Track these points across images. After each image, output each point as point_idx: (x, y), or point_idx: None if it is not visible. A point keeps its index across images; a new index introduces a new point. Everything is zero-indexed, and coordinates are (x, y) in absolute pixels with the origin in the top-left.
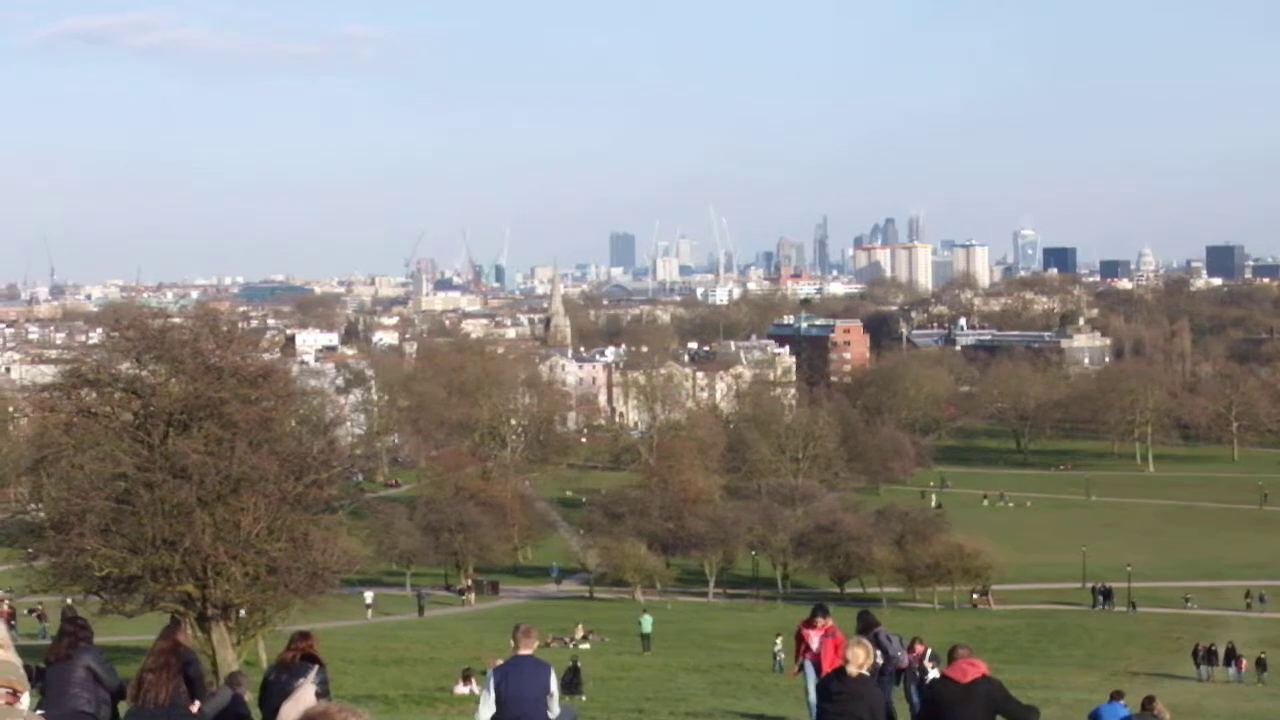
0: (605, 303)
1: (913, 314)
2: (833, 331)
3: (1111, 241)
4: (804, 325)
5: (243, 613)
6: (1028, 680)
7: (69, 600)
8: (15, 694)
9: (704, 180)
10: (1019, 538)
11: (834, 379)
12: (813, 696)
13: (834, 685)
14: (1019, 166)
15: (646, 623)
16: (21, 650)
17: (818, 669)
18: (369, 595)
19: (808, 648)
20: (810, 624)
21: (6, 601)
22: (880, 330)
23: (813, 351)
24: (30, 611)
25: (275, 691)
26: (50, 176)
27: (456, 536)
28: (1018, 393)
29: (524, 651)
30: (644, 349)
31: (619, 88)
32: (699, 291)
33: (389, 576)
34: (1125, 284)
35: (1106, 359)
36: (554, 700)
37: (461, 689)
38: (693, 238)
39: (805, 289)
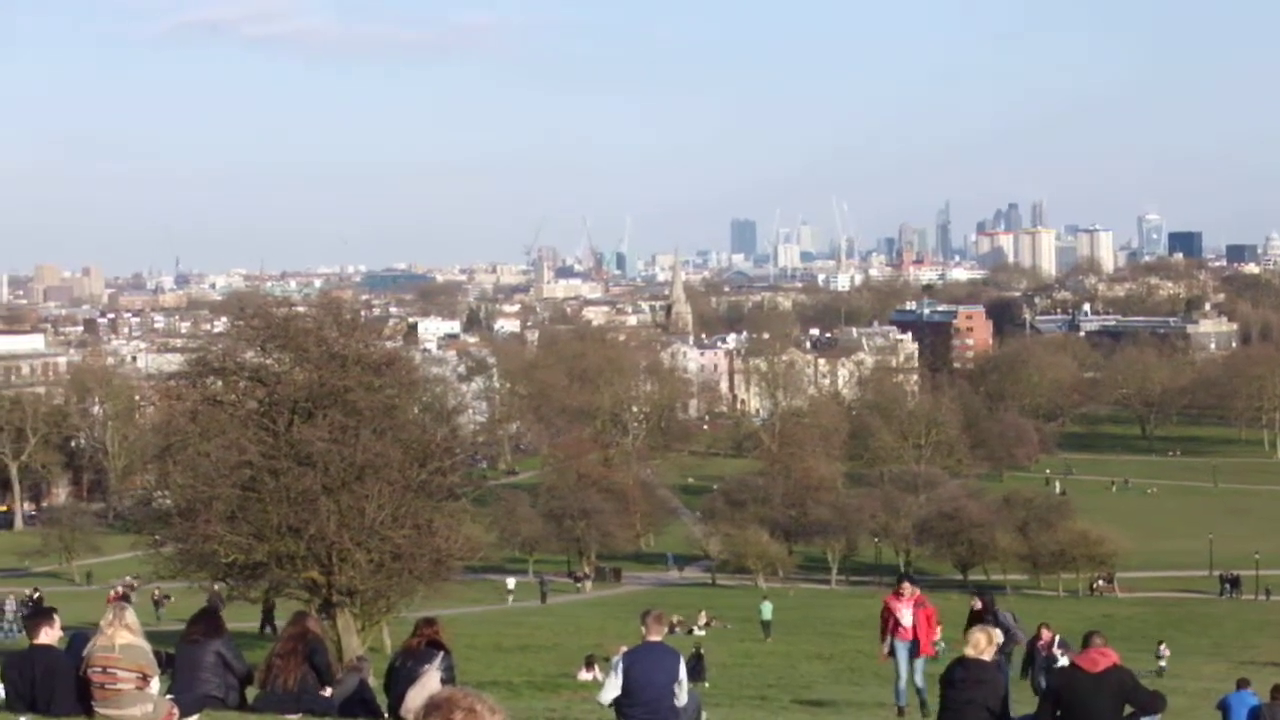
0: (726, 289)
1: (1036, 300)
2: (955, 317)
3: (1238, 225)
4: (926, 311)
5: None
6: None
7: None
8: (145, 678)
9: (825, 166)
10: (1144, 524)
11: (956, 365)
12: (903, 680)
13: (957, 672)
14: (1144, 150)
15: (766, 610)
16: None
17: (910, 649)
18: (511, 582)
19: (897, 623)
20: (898, 594)
21: (121, 586)
22: (1003, 316)
23: (935, 338)
24: (165, 597)
25: (401, 677)
26: (174, 166)
27: (579, 523)
28: (1143, 379)
29: (653, 637)
30: (765, 335)
31: (740, 73)
32: (820, 278)
33: (511, 563)
34: (1252, 268)
35: (1233, 344)
36: (681, 687)
37: (585, 675)
38: (814, 224)
39: (927, 275)
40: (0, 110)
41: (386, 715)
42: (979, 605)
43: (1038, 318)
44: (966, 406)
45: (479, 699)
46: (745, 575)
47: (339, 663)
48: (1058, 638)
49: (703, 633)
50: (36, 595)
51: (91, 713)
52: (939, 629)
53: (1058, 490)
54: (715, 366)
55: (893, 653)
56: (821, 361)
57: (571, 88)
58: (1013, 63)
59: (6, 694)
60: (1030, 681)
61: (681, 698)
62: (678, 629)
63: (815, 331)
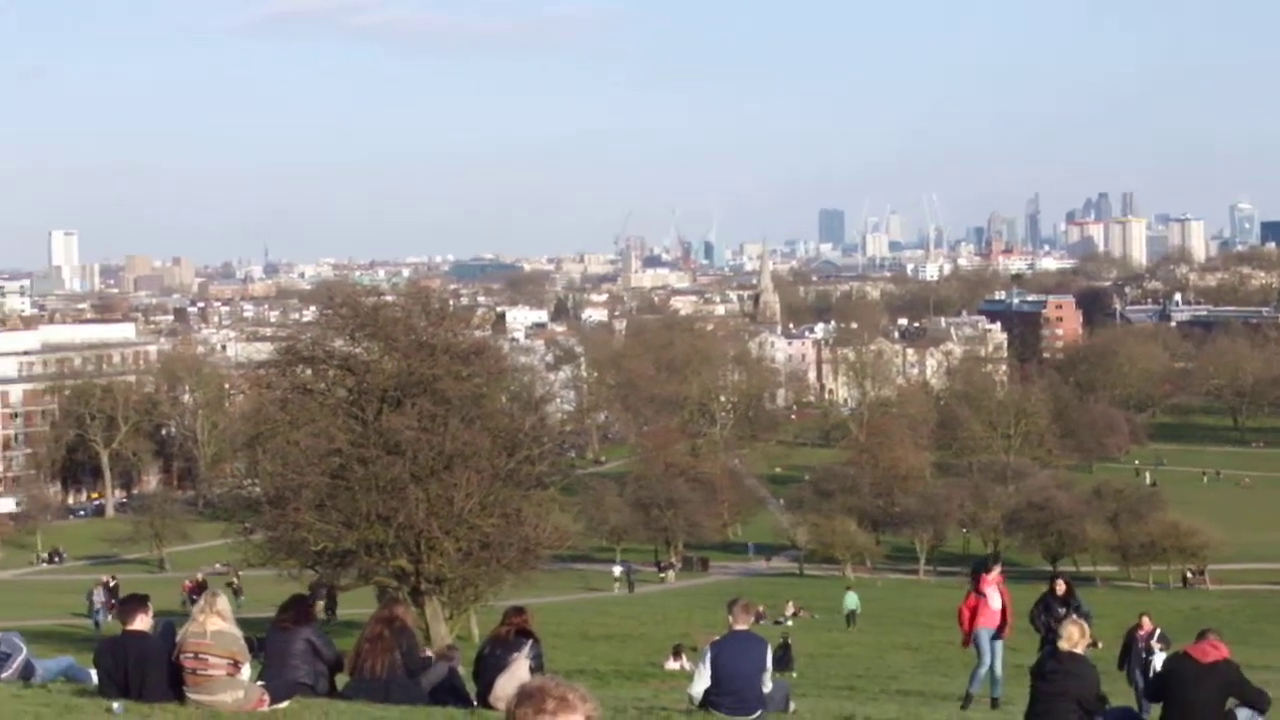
0: (814, 279)
1: (1126, 289)
2: (1044, 307)
3: None
4: (1015, 301)
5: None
6: (1246, 662)
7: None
8: (236, 665)
9: (914, 155)
10: (1236, 516)
11: (1046, 355)
12: (984, 667)
13: (1049, 664)
14: (1236, 138)
15: (851, 600)
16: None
17: (993, 634)
18: (617, 570)
19: (986, 606)
20: (985, 574)
21: (200, 574)
22: (1093, 306)
23: (1024, 327)
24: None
25: (490, 665)
26: (264, 156)
27: (666, 513)
28: (1235, 369)
29: (740, 626)
30: (853, 325)
31: (827, 62)
32: (909, 267)
33: (599, 552)
34: None
35: None
36: (769, 676)
37: (672, 664)
38: (903, 213)
39: (1017, 264)
40: (93, 103)
41: (475, 703)
42: (1062, 589)
43: (1128, 308)
44: (1056, 397)
45: (571, 688)
46: (833, 565)
47: (428, 651)
48: (1159, 631)
49: (790, 623)
50: (113, 584)
51: (183, 699)
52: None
53: (1148, 481)
54: (803, 356)
55: (975, 640)
56: (910, 351)
57: (661, 77)
58: (1103, 49)
59: (100, 680)
60: (1126, 674)
61: (768, 685)
62: (764, 619)
63: (903, 321)
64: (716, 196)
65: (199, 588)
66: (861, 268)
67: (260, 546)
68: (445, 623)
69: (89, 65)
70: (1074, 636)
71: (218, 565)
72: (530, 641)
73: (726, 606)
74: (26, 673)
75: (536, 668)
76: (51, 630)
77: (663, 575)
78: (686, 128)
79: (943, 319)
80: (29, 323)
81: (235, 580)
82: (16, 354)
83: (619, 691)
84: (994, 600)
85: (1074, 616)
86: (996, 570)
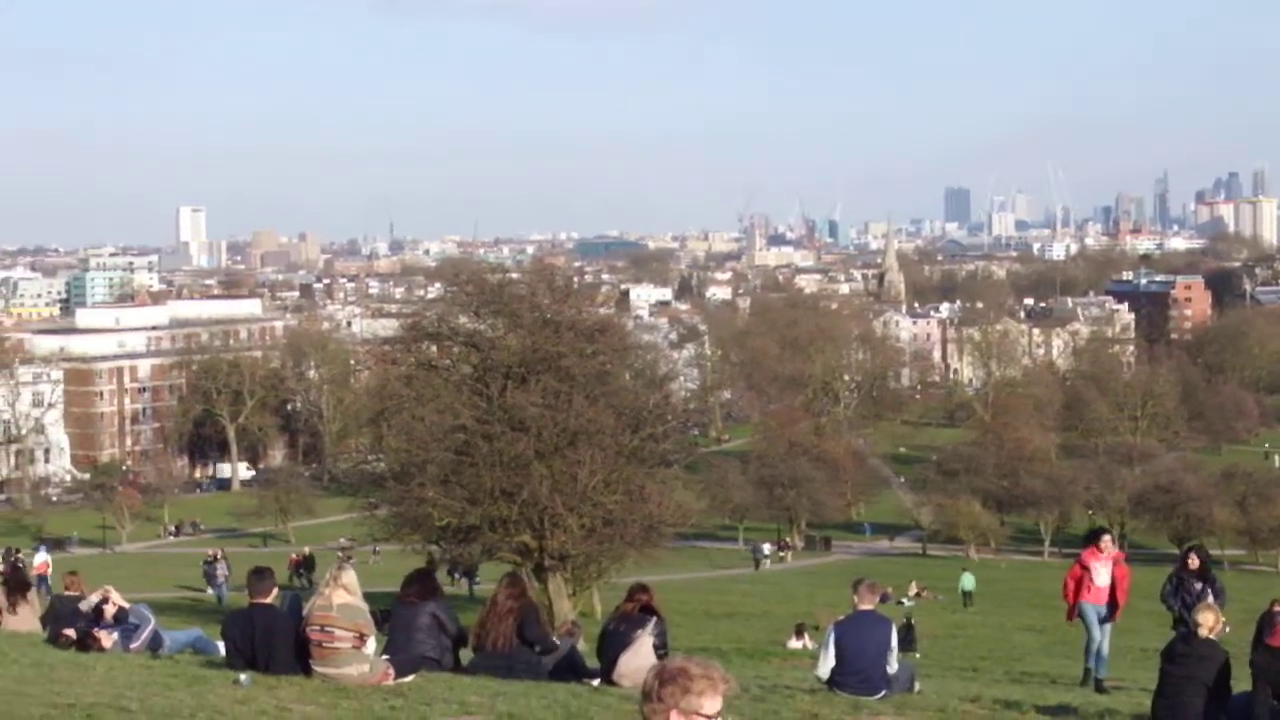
0: (940, 258)
1: (1257, 270)
2: (1173, 288)
3: None
4: (1143, 281)
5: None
6: None
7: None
8: (362, 638)
9: (1040, 133)
10: None
11: (1174, 336)
12: (1094, 642)
13: (1180, 647)
14: None
15: (968, 580)
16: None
17: (1100, 614)
18: (767, 547)
19: (1090, 581)
20: (1097, 548)
21: (309, 548)
22: (1223, 287)
23: (1152, 308)
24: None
25: (614, 642)
26: (390, 133)
27: (789, 492)
28: None
29: (865, 606)
30: (979, 305)
31: (954, 36)
32: (1035, 247)
33: (723, 530)
34: None
35: None
36: (894, 656)
37: (795, 644)
38: (1029, 192)
39: (1145, 244)
40: (222, 80)
41: (598, 680)
42: (1195, 563)
43: (1258, 288)
44: (1184, 378)
45: (714, 667)
46: (956, 546)
47: (551, 627)
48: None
49: (913, 603)
50: (219, 557)
51: (309, 671)
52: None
53: (1278, 465)
54: (928, 335)
55: (1081, 615)
56: (1036, 331)
57: (787, 54)
58: (1235, 25)
59: (227, 651)
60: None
61: (894, 665)
62: (889, 599)
63: (1030, 301)
64: (842, 175)
65: (303, 562)
66: (987, 247)
67: (385, 521)
68: (568, 599)
69: (218, 43)
70: (1209, 622)
71: (342, 540)
72: (654, 619)
73: (851, 586)
74: (155, 644)
75: (660, 646)
76: (177, 602)
77: (781, 555)
78: (812, 105)
79: (1069, 299)
80: (157, 298)
81: (340, 555)
82: (145, 329)
83: (742, 670)
84: (1100, 576)
85: (1208, 601)
86: (1107, 544)
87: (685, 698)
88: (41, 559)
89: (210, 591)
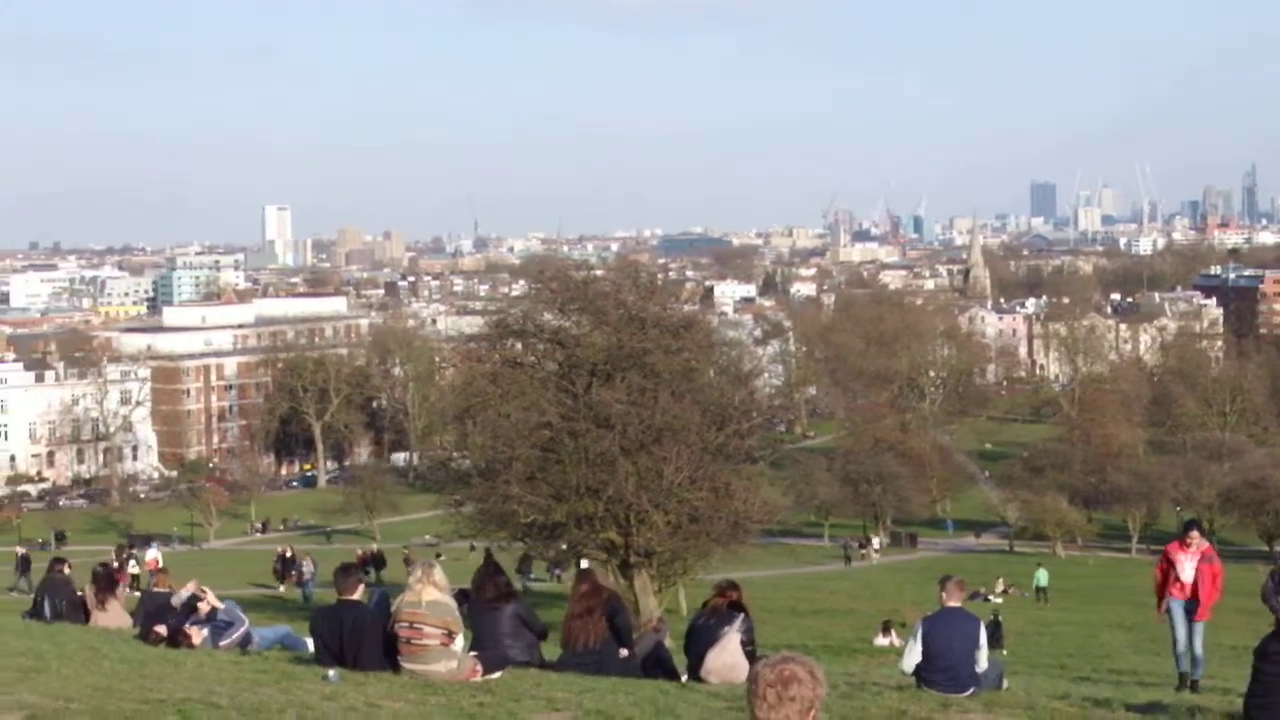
0: (1025, 253)
1: None
2: (1262, 282)
3: None
4: (1232, 276)
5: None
6: None
7: (471, 547)
8: (450, 635)
9: (1126, 127)
10: None
11: (1263, 331)
12: (1181, 644)
13: (1272, 645)
14: None
15: (1042, 576)
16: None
17: (1188, 610)
18: (876, 541)
19: (1177, 578)
20: (1184, 543)
21: (376, 545)
22: None
23: (1241, 303)
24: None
25: (701, 638)
26: (474, 132)
27: (875, 488)
28: None
29: (952, 603)
30: (1065, 300)
31: (1037, 31)
32: (1122, 241)
33: (809, 527)
34: None
35: None
36: (982, 653)
37: (881, 641)
38: (1115, 186)
39: (1233, 238)
40: (306, 81)
41: (685, 677)
42: None
43: None
44: (1273, 373)
45: (814, 665)
46: (1043, 542)
47: (636, 623)
48: None
49: (999, 600)
50: (289, 554)
51: (397, 667)
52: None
53: None
54: (1014, 331)
55: (1169, 611)
56: (1123, 327)
57: (871, 51)
58: None
59: (316, 648)
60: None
61: (982, 663)
62: (976, 596)
63: (1116, 296)
64: (926, 170)
65: (370, 559)
66: (1073, 242)
67: (470, 518)
68: (654, 596)
69: (305, 43)
70: None
71: (427, 537)
72: (742, 616)
73: (939, 583)
74: (244, 641)
75: (748, 641)
76: (262, 599)
77: (863, 552)
78: (895, 101)
79: (1156, 294)
80: (243, 296)
81: (407, 552)
82: (231, 327)
83: (829, 667)
84: (1185, 571)
85: None
86: (1195, 538)
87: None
88: (153, 555)
89: (282, 588)
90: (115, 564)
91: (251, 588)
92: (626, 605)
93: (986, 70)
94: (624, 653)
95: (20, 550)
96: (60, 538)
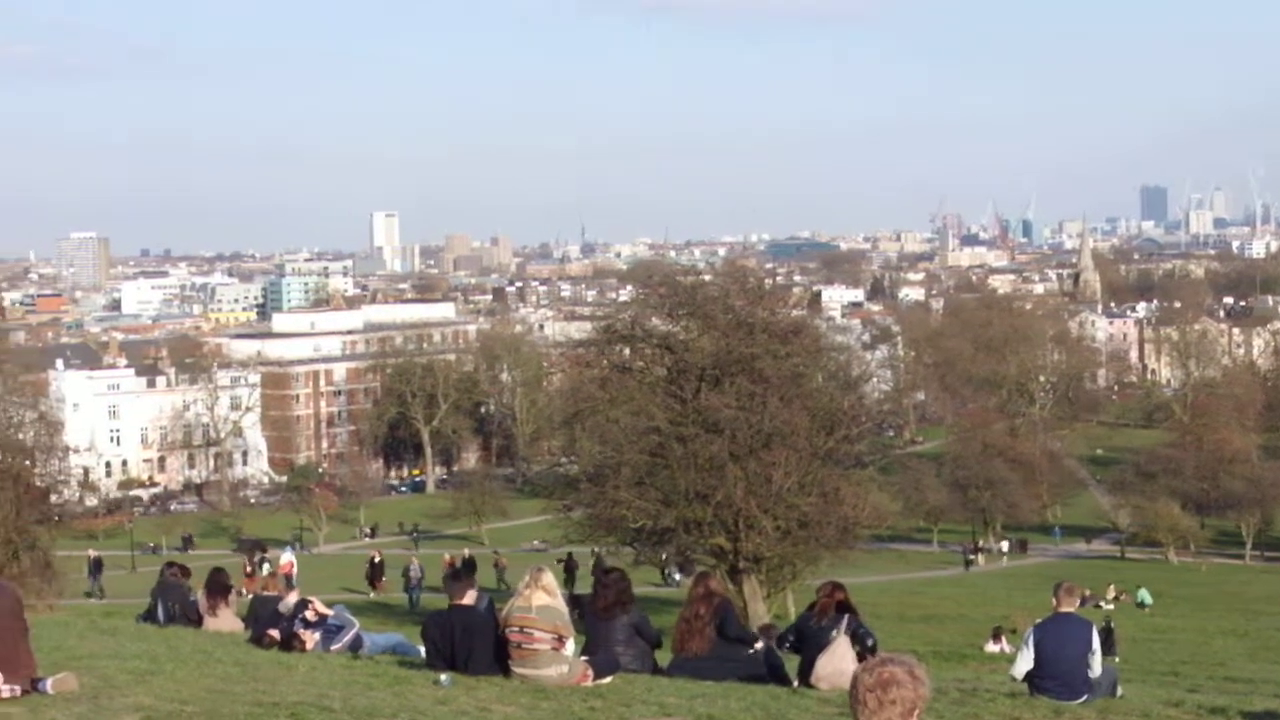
0: (1136, 257)
1: None
2: None
3: None
4: None
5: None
6: None
7: (602, 551)
8: (561, 640)
9: (1238, 129)
10: None
11: None
12: None
13: None
14: None
15: (1145, 595)
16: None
17: None
18: (1004, 544)
19: None
20: None
21: (468, 550)
22: None
23: None
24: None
25: (810, 643)
26: (580, 137)
27: (984, 493)
28: None
29: (1065, 609)
30: (1177, 304)
31: (1146, 31)
32: (1234, 244)
33: (918, 533)
34: None
35: None
36: (1096, 659)
37: (992, 647)
38: (1227, 190)
39: None
40: (413, 87)
41: (796, 682)
42: None
43: None
44: None
45: (915, 665)
46: (1155, 549)
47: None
48: None
49: (1111, 607)
50: (378, 560)
51: (508, 672)
52: None
53: None
54: (1124, 336)
55: None
56: (1235, 331)
57: (977, 52)
58: None
59: (427, 652)
60: None
61: (1096, 669)
62: (1088, 602)
63: (1229, 300)
64: (1034, 173)
65: (459, 564)
66: (1185, 245)
67: (579, 523)
68: (763, 601)
69: (411, 48)
70: None
71: (535, 542)
72: (848, 616)
73: (1053, 589)
74: (355, 645)
75: (866, 635)
76: (371, 604)
77: (970, 558)
78: (1003, 104)
79: (1270, 297)
80: (352, 303)
81: (498, 557)
82: (340, 333)
83: (939, 673)
84: None
85: None
86: None
87: (903, 689)
88: (287, 559)
89: (372, 594)
90: (248, 568)
91: (344, 593)
92: (735, 611)
93: (1094, 69)
94: (759, 645)
95: (92, 554)
96: (188, 542)
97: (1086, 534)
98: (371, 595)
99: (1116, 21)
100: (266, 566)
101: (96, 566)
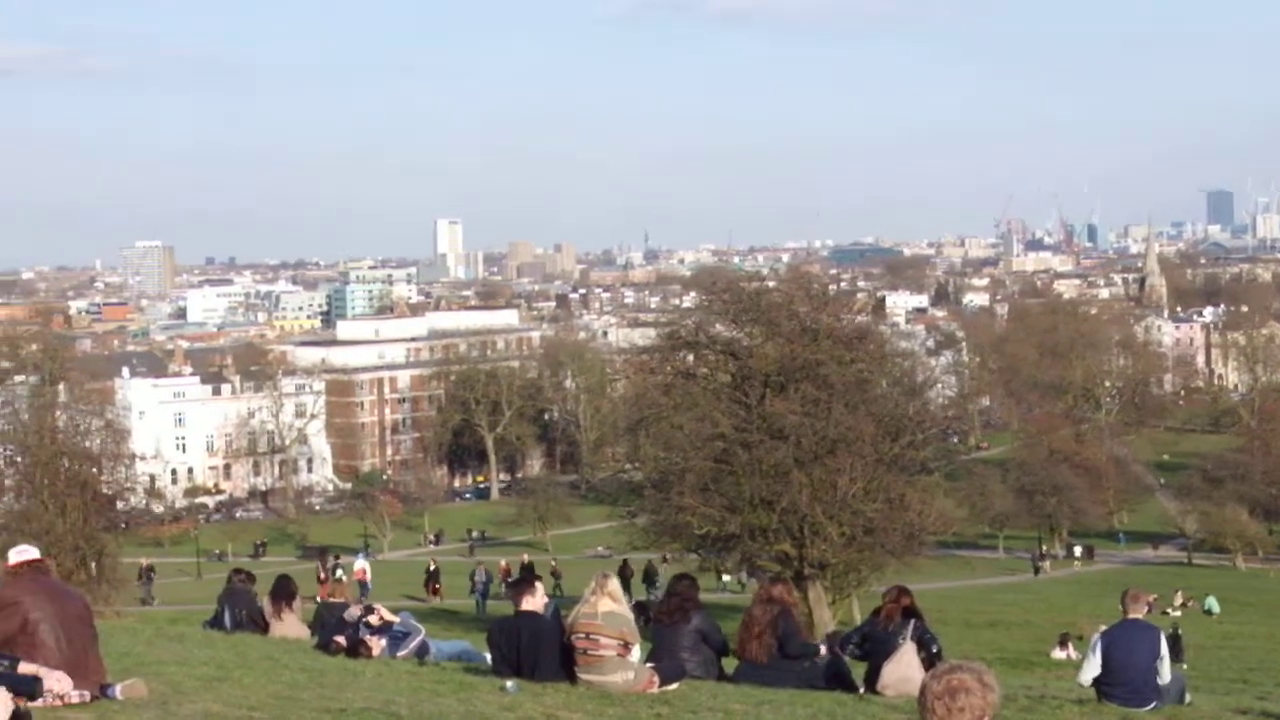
0: (1202, 261)
1: None
2: None
3: None
4: None
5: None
6: None
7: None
8: (627, 646)
9: None
10: None
11: None
12: None
13: None
14: None
15: (1212, 603)
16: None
17: None
18: (1078, 550)
19: None
20: None
21: (527, 556)
22: None
23: None
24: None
25: (876, 649)
26: (643, 144)
27: (1050, 500)
28: None
29: (1134, 615)
30: (1244, 308)
31: (1205, 33)
32: None
33: (983, 539)
34: None
35: None
36: (1165, 665)
37: (1059, 654)
38: None
39: None
40: (476, 94)
41: (862, 689)
42: None
43: None
44: None
45: (984, 671)
46: (1222, 555)
47: (811, 636)
48: None
49: (1178, 613)
50: (433, 568)
51: (574, 678)
52: None
53: None
54: (1191, 340)
55: None
56: None
57: (1039, 57)
58: None
59: (493, 659)
60: None
61: (1165, 675)
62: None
63: None
64: (1099, 178)
65: (520, 571)
66: (1251, 249)
67: (644, 530)
68: (828, 608)
69: (473, 57)
70: None
71: (600, 549)
72: (914, 622)
73: (1120, 596)
74: (421, 651)
75: (931, 642)
76: (435, 609)
77: (1039, 564)
78: (1068, 108)
79: None
80: (416, 310)
81: (555, 564)
82: (404, 340)
83: (1006, 679)
84: None
85: None
86: None
87: (970, 696)
88: (360, 565)
89: (433, 601)
90: (322, 574)
91: (404, 599)
92: (796, 620)
93: (1160, 72)
94: (823, 650)
95: (144, 562)
96: (260, 549)
97: (1153, 540)
98: (431, 602)
99: (1180, 22)
100: (340, 573)
101: (147, 574)
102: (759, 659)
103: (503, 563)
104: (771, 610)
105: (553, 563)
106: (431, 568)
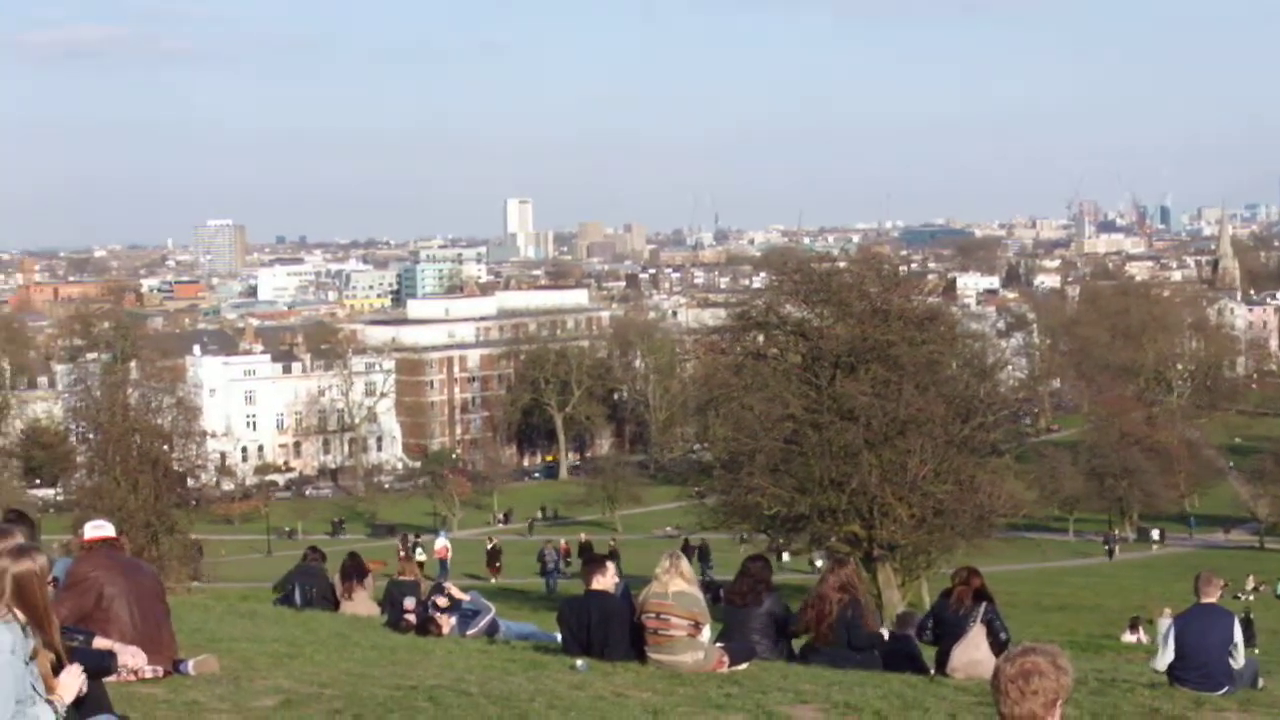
0: (1276, 244)
1: None
2: None
3: None
4: None
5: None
6: None
7: (740, 538)
8: (697, 626)
9: None
10: None
11: None
12: None
13: None
14: None
15: None
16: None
17: None
18: (1155, 533)
19: None
20: None
21: (584, 535)
22: None
23: None
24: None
25: (947, 631)
26: (712, 124)
27: (1121, 483)
28: None
29: (1207, 600)
30: None
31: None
32: None
33: (1055, 521)
34: None
35: None
36: (1239, 650)
37: (1129, 637)
38: None
39: None
40: (546, 74)
41: (933, 670)
42: None
43: None
44: None
45: (1058, 653)
46: None
47: (881, 618)
48: None
49: (1250, 597)
50: (492, 545)
51: (644, 658)
52: None
53: None
54: (1264, 323)
55: None
56: None
57: (1111, 35)
58: None
59: (563, 638)
60: None
61: (1239, 660)
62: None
63: None
64: (1172, 160)
65: (579, 551)
66: None
67: (713, 510)
68: (897, 590)
69: (543, 37)
70: None
71: (669, 529)
72: (985, 604)
73: (1194, 580)
74: (490, 629)
75: (999, 628)
76: (506, 587)
77: (1112, 547)
78: (1141, 89)
79: None
80: (486, 289)
81: (613, 543)
82: (474, 320)
83: (1077, 663)
84: None
85: None
86: None
87: (1043, 680)
88: (441, 543)
89: (493, 580)
90: (402, 552)
91: (465, 578)
92: (864, 613)
93: (1236, 54)
94: (886, 633)
95: (193, 537)
96: (338, 527)
97: (1224, 524)
98: (492, 581)
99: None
100: (420, 551)
101: (197, 551)
102: (829, 640)
103: (563, 542)
104: (844, 598)
105: (611, 542)
106: (490, 546)
